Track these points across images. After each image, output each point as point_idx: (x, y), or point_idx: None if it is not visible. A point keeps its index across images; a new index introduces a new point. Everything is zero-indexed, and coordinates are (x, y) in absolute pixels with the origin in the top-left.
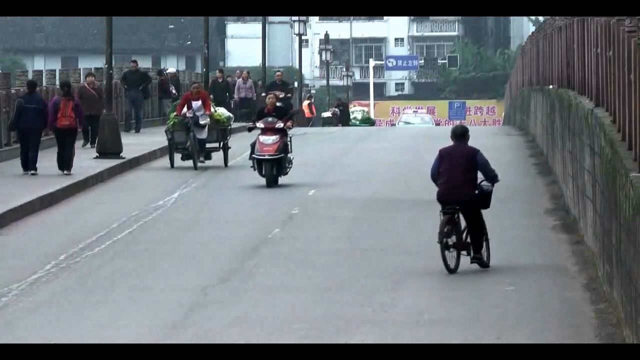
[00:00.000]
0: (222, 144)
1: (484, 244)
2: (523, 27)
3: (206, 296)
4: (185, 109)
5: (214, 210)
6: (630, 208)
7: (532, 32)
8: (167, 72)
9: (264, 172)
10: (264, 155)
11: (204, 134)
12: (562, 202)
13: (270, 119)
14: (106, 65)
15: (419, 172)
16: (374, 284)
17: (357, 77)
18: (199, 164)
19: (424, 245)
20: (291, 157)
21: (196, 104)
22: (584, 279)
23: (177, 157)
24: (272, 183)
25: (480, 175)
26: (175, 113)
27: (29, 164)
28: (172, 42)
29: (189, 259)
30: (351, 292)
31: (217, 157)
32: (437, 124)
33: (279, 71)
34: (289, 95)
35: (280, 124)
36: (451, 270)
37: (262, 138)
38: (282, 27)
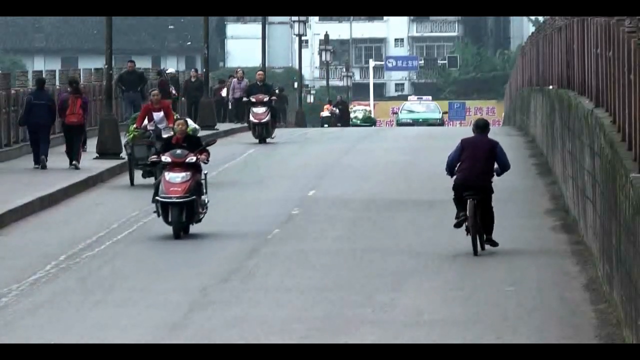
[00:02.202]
0: None
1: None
2: (523, 27)
3: (206, 296)
4: (146, 121)
5: (213, 211)
6: (630, 208)
7: (532, 33)
8: (167, 72)
9: (170, 219)
10: (170, 198)
11: None
12: (562, 203)
13: (179, 151)
14: (106, 66)
15: (419, 172)
16: (374, 284)
17: (357, 77)
18: None
19: (424, 245)
20: (206, 200)
21: (157, 115)
22: (584, 279)
23: (138, 174)
24: (180, 233)
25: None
26: (135, 125)
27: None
28: (172, 42)
29: (189, 260)
30: (351, 292)
31: None
32: (445, 113)
33: (260, 70)
34: (273, 98)
35: (191, 158)
36: (476, 253)
37: (169, 175)
38: (282, 28)
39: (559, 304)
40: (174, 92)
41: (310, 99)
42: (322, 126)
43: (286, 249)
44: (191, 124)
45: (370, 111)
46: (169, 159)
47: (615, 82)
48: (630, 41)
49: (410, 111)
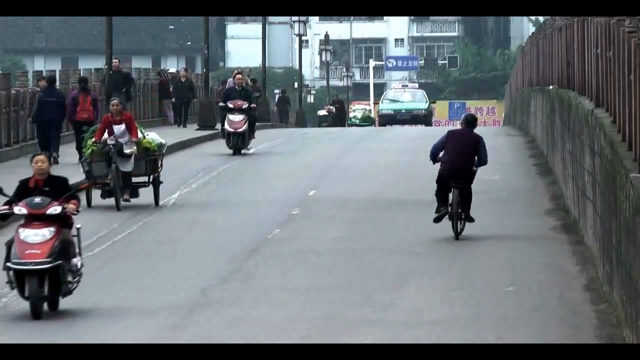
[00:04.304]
0: (151, 177)
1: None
2: (523, 27)
3: (206, 296)
4: (106, 135)
5: (214, 211)
6: (630, 208)
7: (532, 33)
8: (167, 72)
9: (26, 293)
10: (26, 264)
11: (129, 166)
12: (562, 203)
13: (38, 199)
14: (106, 66)
15: (418, 172)
16: (374, 284)
17: (357, 77)
18: (124, 203)
19: (424, 245)
20: (78, 264)
21: (118, 128)
22: (584, 279)
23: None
24: (41, 310)
25: None
26: (93, 139)
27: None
28: (172, 42)
29: (189, 260)
30: (351, 292)
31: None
32: (433, 102)
33: (239, 72)
34: (253, 105)
35: (55, 208)
36: (458, 237)
37: (24, 233)
38: (282, 28)
39: (559, 304)
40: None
41: (310, 99)
42: (320, 125)
43: (286, 249)
44: (156, 138)
45: (370, 110)
46: (24, 210)
47: (615, 82)
48: (630, 41)
49: (393, 100)
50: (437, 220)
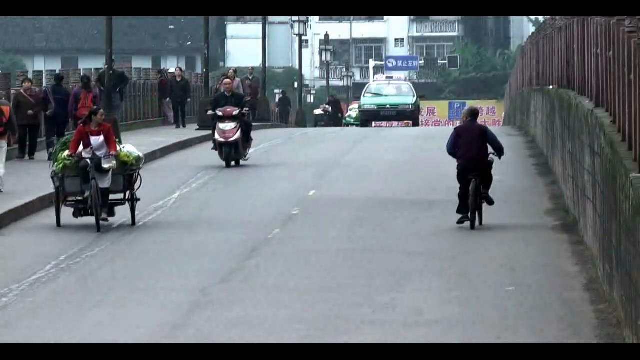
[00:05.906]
0: (128, 194)
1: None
2: (523, 27)
3: (206, 296)
4: (81, 147)
5: (214, 211)
6: (630, 208)
7: (532, 33)
8: (167, 72)
9: None
10: None
11: (106, 182)
12: (562, 203)
13: None
14: (106, 66)
15: (419, 172)
16: (374, 284)
17: (357, 77)
18: (100, 223)
19: (424, 245)
20: None
21: (96, 140)
22: (584, 279)
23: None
24: None
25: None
26: (67, 152)
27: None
28: (172, 42)
29: (189, 260)
30: (351, 292)
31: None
32: (421, 97)
33: (227, 77)
34: (246, 110)
35: None
36: (473, 227)
37: None
38: (282, 28)
39: (559, 304)
40: None
41: (310, 99)
42: (316, 125)
43: (286, 249)
44: (133, 151)
45: None
46: None
47: (615, 82)
48: (630, 41)
49: (376, 94)
50: (460, 222)
